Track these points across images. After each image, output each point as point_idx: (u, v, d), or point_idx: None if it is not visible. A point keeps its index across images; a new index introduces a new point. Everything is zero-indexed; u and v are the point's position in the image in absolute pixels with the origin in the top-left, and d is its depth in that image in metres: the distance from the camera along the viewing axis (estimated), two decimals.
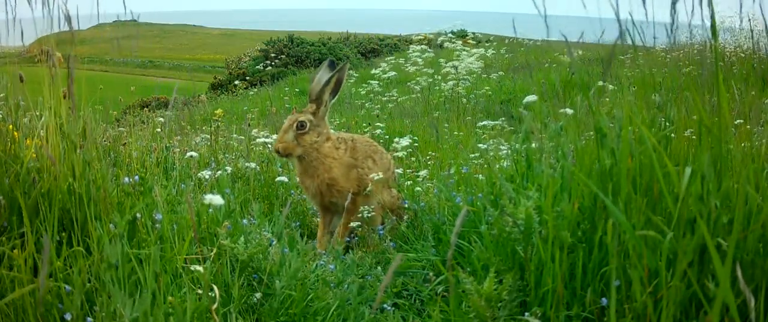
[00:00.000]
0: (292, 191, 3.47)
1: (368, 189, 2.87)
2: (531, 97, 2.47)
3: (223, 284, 2.01)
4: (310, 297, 2.06)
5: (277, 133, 4.21)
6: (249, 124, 5.39)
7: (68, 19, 2.24)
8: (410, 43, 18.50)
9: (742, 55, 7.71)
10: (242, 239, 2.12)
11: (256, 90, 17.47)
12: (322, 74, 2.94)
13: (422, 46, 12.63)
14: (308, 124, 2.84)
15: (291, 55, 21.18)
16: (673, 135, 1.89)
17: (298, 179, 3.00)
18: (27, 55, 2.78)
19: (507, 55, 14.34)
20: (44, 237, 1.41)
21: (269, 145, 4.13)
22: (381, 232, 2.78)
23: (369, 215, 2.87)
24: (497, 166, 2.73)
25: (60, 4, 2.26)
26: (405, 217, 2.99)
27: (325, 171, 2.85)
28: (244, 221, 2.38)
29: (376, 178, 2.88)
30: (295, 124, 2.83)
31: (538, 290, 1.80)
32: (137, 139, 4.31)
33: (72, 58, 2.20)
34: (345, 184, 2.86)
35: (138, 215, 2.14)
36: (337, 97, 2.94)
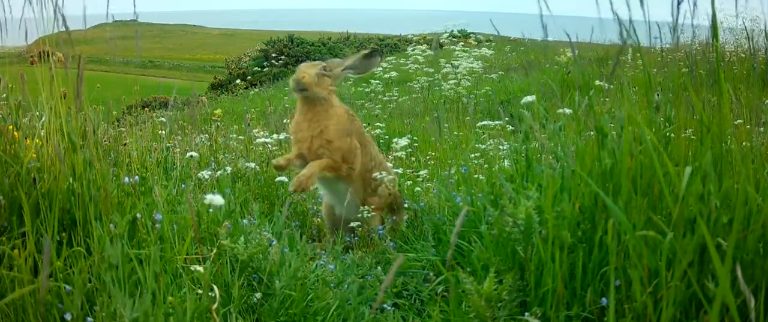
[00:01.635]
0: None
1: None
2: (529, 98, 2.47)
3: (223, 284, 2.01)
4: (310, 297, 2.06)
5: (276, 133, 4.23)
6: (249, 124, 5.39)
7: (64, 19, 2.24)
8: (410, 44, 18.51)
9: (743, 55, 7.71)
10: (242, 239, 2.12)
11: (256, 90, 17.48)
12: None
13: (422, 46, 12.64)
14: (330, 71, 2.86)
15: (291, 55, 21.19)
16: (672, 135, 1.89)
17: (292, 125, 2.96)
18: (27, 55, 2.78)
19: (509, 54, 14.35)
20: (45, 237, 1.41)
21: (269, 145, 4.13)
22: (381, 232, 2.78)
23: (369, 215, 2.86)
24: (497, 166, 2.73)
25: (60, 5, 2.26)
26: (405, 217, 2.99)
27: (325, 119, 2.82)
28: (244, 221, 2.38)
29: (382, 177, 2.87)
30: (320, 66, 2.85)
31: (538, 290, 1.80)
32: (137, 140, 4.31)
33: (83, 58, 2.20)
34: (336, 142, 2.81)
35: (138, 215, 2.14)
36: (348, 75, 2.98)
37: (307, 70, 2.81)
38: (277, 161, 2.85)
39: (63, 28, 2.27)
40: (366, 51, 2.97)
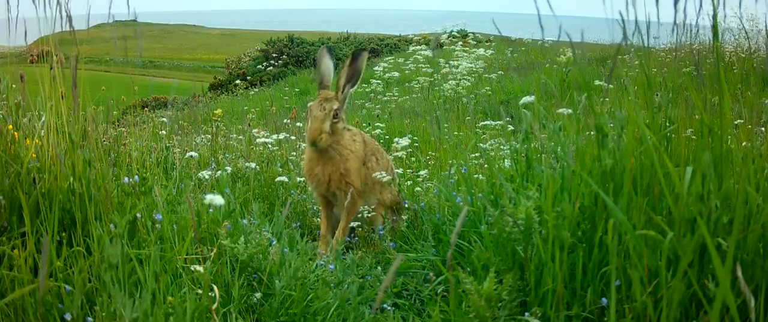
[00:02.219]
0: (292, 191, 3.47)
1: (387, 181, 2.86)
2: (529, 98, 2.47)
3: (223, 284, 2.01)
4: (310, 297, 2.06)
5: (277, 133, 4.23)
6: (249, 125, 5.39)
7: (70, 19, 2.24)
8: (410, 43, 18.52)
9: (742, 55, 7.71)
10: (242, 239, 2.12)
11: (256, 90, 17.50)
12: (327, 61, 2.87)
13: (422, 45, 12.63)
14: (340, 110, 2.75)
15: (291, 55, 21.20)
16: (672, 135, 1.89)
17: (304, 166, 2.90)
18: (27, 55, 2.78)
19: (509, 54, 14.35)
20: (44, 237, 1.41)
21: (269, 145, 4.13)
22: (381, 232, 2.78)
23: (369, 215, 2.86)
24: (496, 166, 2.73)
25: (62, 4, 2.26)
26: (404, 217, 2.99)
27: (341, 161, 2.77)
28: (244, 221, 2.38)
29: (384, 177, 2.86)
30: (331, 114, 2.71)
31: (538, 290, 1.80)
32: (137, 140, 4.31)
33: (73, 58, 2.20)
34: (355, 178, 2.81)
35: (138, 215, 2.14)
36: (356, 86, 2.86)
37: (322, 127, 2.67)
38: (324, 245, 2.87)
39: (66, 28, 2.27)
40: (349, 58, 2.85)
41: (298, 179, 3.43)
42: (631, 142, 1.72)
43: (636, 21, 1.83)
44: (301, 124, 5.35)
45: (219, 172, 3.27)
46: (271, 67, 20.31)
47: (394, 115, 8.08)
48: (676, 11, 1.78)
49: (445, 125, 5.98)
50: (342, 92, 2.80)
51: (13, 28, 2.34)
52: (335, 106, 2.73)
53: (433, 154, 4.69)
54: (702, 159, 1.61)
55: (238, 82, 18.22)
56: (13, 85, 2.59)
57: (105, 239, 1.88)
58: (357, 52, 2.84)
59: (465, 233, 2.24)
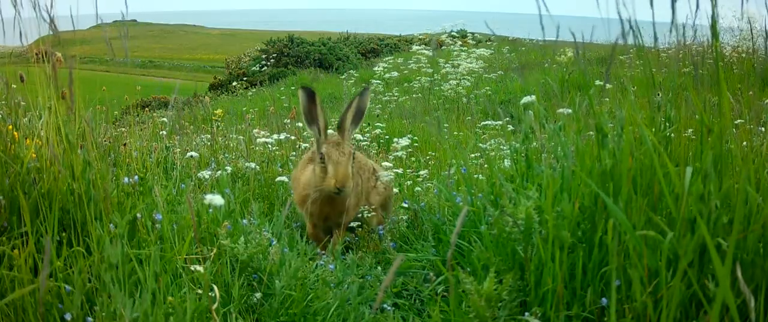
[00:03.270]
0: (292, 191, 3.47)
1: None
2: (529, 98, 2.47)
3: (223, 284, 2.01)
4: (310, 297, 2.06)
5: (277, 134, 4.23)
6: (249, 124, 5.40)
7: (52, 21, 2.23)
8: (410, 43, 18.53)
9: (742, 55, 7.71)
10: (242, 239, 2.12)
11: (255, 90, 17.50)
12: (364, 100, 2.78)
13: (422, 45, 12.64)
14: (353, 149, 2.68)
15: (291, 55, 21.20)
16: (672, 135, 1.89)
17: (296, 197, 2.84)
18: (28, 55, 2.78)
19: (509, 54, 14.36)
20: (45, 237, 1.41)
21: (269, 145, 4.13)
22: (381, 232, 2.78)
23: (369, 215, 2.87)
24: (496, 166, 2.73)
25: (48, 7, 2.26)
26: (404, 217, 2.99)
27: (342, 201, 2.72)
28: (244, 221, 2.38)
29: (385, 177, 2.85)
30: (351, 157, 2.61)
31: (538, 290, 1.80)
32: (137, 140, 4.31)
33: (71, 58, 2.20)
34: (353, 210, 2.80)
35: (138, 215, 2.14)
36: (358, 126, 2.80)
37: (347, 172, 2.54)
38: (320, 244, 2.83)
39: (61, 29, 2.26)
40: (356, 96, 2.76)
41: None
42: (630, 142, 1.72)
43: (641, 21, 1.83)
44: (301, 125, 5.34)
45: (219, 172, 3.27)
46: (270, 68, 20.31)
47: (394, 115, 8.08)
48: (674, 11, 1.77)
49: (445, 125, 5.98)
50: (348, 132, 2.69)
51: (12, 28, 2.34)
52: (352, 149, 2.64)
53: (433, 154, 4.69)
54: (702, 159, 1.61)
55: (234, 83, 18.22)
56: (13, 85, 2.58)
57: (105, 239, 1.88)
58: (364, 89, 2.75)
59: (465, 233, 2.24)
